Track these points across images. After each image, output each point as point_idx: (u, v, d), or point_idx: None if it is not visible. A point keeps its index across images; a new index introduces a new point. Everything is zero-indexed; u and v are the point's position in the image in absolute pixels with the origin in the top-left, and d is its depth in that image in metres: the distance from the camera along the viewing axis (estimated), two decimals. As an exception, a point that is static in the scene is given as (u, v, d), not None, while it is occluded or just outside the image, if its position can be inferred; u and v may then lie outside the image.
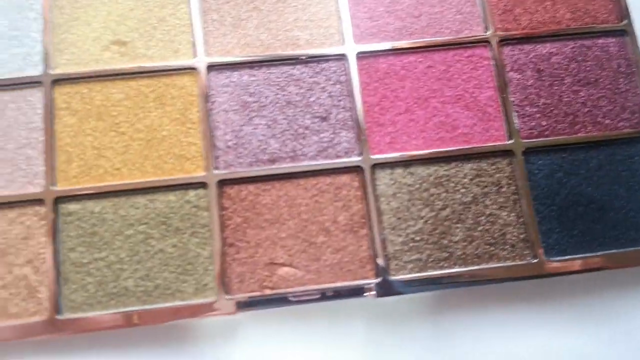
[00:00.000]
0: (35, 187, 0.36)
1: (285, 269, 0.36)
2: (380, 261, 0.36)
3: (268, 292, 0.36)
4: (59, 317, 0.34)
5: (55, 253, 0.35)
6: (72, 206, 0.36)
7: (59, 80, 0.38)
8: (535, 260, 0.37)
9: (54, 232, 0.35)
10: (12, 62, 0.38)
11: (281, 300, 0.36)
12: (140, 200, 0.36)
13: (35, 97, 0.37)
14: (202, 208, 0.36)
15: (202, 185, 0.37)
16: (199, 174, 0.37)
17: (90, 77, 0.38)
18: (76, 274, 0.35)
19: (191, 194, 0.36)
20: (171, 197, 0.36)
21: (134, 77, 0.38)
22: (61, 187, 0.36)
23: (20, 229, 0.35)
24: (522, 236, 0.38)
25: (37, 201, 0.36)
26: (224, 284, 0.35)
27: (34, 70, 0.38)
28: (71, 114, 0.37)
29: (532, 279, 0.37)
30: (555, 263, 0.37)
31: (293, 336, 0.37)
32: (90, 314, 0.34)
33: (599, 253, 0.37)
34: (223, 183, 0.37)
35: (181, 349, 0.36)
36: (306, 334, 0.37)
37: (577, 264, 0.37)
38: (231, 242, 0.36)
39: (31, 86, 0.37)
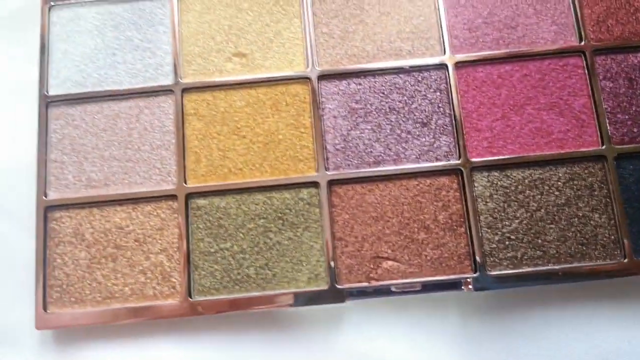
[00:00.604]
0: (169, 184, 0.40)
1: (390, 262, 0.40)
2: (478, 257, 0.39)
3: (374, 283, 0.39)
4: (191, 300, 0.38)
5: (187, 243, 0.39)
6: (201, 201, 0.40)
7: (188, 89, 0.42)
8: (625, 260, 0.39)
9: (186, 224, 0.39)
10: (146, 72, 0.42)
11: (385, 291, 0.39)
12: (260, 197, 0.40)
13: (167, 104, 0.42)
14: (314, 205, 0.40)
15: (314, 184, 0.40)
16: (311, 174, 0.40)
17: (215, 86, 0.42)
18: (205, 262, 0.39)
19: (304, 192, 0.40)
20: (287, 195, 0.40)
21: (253, 86, 0.42)
22: (191, 184, 0.40)
23: (156, 221, 0.40)
24: (612, 237, 0.39)
25: (170, 196, 0.40)
26: (335, 274, 0.39)
27: (166, 79, 0.42)
28: (199, 119, 0.41)
29: (622, 276, 0.39)
30: (644, 263, 0.39)
31: (394, 324, 0.40)
32: (218, 297, 0.38)
33: (687, 254, 0.39)
34: (332, 183, 0.40)
35: (293, 334, 0.40)
36: (407, 323, 0.40)
37: (665, 265, 0.39)
38: (340, 237, 0.40)
39: (164, 94, 0.42)
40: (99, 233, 0.40)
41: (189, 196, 0.40)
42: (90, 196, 0.40)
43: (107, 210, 0.40)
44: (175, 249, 0.39)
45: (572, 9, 0.43)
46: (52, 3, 0.44)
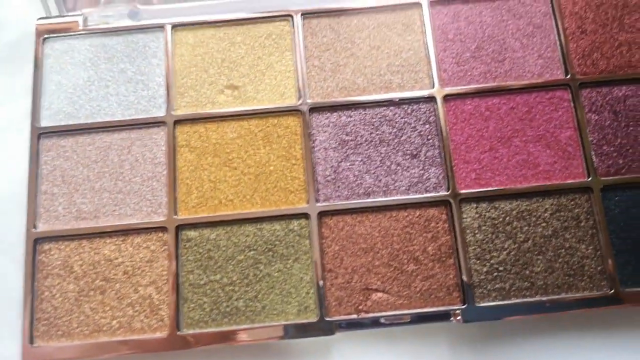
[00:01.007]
0: (159, 216, 0.40)
1: (379, 294, 0.40)
2: (467, 289, 0.39)
3: (363, 315, 0.39)
4: (179, 333, 0.38)
5: (176, 275, 0.39)
6: (191, 233, 0.40)
7: (181, 121, 0.42)
8: (612, 291, 0.39)
9: (176, 257, 0.39)
10: (139, 104, 0.43)
11: (374, 323, 0.39)
12: (250, 228, 0.40)
13: (159, 136, 0.42)
14: (304, 237, 0.40)
15: (305, 215, 0.40)
16: (301, 205, 0.40)
17: (208, 117, 0.42)
18: (194, 294, 0.39)
19: (294, 223, 0.40)
20: (277, 226, 0.40)
21: (245, 118, 0.42)
22: (182, 216, 0.40)
23: (146, 253, 0.40)
24: (599, 268, 0.40)
25: (161, 228, 0.40)
26: (324, 307, 0.39)
27: (158, 111, 0.42)
28: (190, 151, 0.42)
29: (609, 307, 0.39)
30: (630, 294, 0.39)
31: (384, 356, 0.40)
32: (206, 330, 0.38)
33: (673, 286, 0.40)
34: (323, 214, 0.41)
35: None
36: (396, 354, 0.40)
37: (652, 296, 0.40)
38: (330, 268, 0.40)
39: (156, 125, 0.42)
40: (88, 265, 0.40)
41: (180, 228, 0.40)
42: (80, 228, 0.40)
43: (97, 242, 0.40)
44: (165, 282, 0.39)
45: (558, 43, 0.44)
46: (46, 35, 0.44)
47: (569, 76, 0.43)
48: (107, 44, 0.44)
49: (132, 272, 0.39)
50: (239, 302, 0.39)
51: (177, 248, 0.40)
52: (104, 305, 0.39)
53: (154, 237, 0.40)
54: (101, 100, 0.43)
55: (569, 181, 0.41)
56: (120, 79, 0.43)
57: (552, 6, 0.45)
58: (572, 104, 0.43)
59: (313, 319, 0.38)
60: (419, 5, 0.45)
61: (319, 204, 0.40)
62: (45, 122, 0.42)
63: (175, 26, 0.44)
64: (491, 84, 0.43)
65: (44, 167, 0.41)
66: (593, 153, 0.42)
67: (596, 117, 0.43)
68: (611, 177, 0.41)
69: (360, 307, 0.39)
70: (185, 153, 0.41)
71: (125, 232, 0.40)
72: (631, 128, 0.43)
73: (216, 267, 0.39)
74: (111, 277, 0.39)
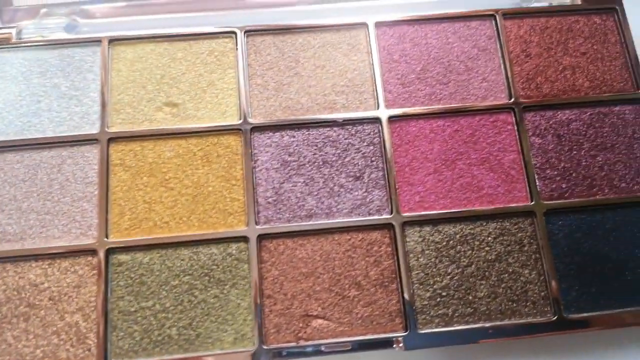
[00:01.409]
0: (88, 239, 0.38)
1: (319, 321, 0.38)
2: (409, 315, 0.38)
3: (302, 342, 0.38)
4: (106, 363, 0.37)
5: (105, 301, 0.37)
6: (123, 257, 0.38)
7: (115, 138, 0.40)
8: (555, 317, 0.39)
9: (105, 282, 0.37)
10: (72, 120, 0.41)
11: (315, 351, 0.37)
12: (186, 252, 0.39)
13: (91, 154, 0.40)
14: (243, 261, 0.39)
15: (244, 239, 0.39)
16: (240, 228, 0.39)
17: (144, 135, 0.40)
18: (124, 322, 0.37)
19: (233, 247, 0.39)
20: (214, 250, 0.39)
21: (184, 137, 0.41)
22: (113, 238, 0.39)
23: (73, 278, 0.38)
24: (542, 293, 0.39)
25: (90, 252, 0.38)
26: (262, 334, 0.37)
27: (92, 128, 0.41)
28: (125, 170, 0.40)
29: (552, 333, 0.38)
30: (573, 320, 0.38)
31: (324, 385, 0.39)
32: (136, 360, 0.37)
33: (616, 311, 0.39)
34: (263, 237, 0.39)
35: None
36: (337, 383, 0.39)
37: (594, 321, 0.38)
38: (269, 294, 0.39)
39: (89, 143, 0.40)
40: (12, 290, 0.37)
41: (110, 251, 0.38)
42: (4, 251, 0.38)
43: (22, 266, 0.38)
44: (92, 308, 0.37)
45: (502, 66, 0.44)
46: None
47: (512, 100, 0.43)
48: (41, 58, 0.42)
49: (59, 298, 0.37)
50: (171, 330, 0.37)
51: (107, 272, 0.38)
52: (27, 333, 0.36)
53: (83, 260, 0.38)
54: (32, 116, 0.41)
55: (513, 205, 0.41)
56: (53, 94, 0.41)
57: (497, 30, 0.45)
58: (515, 128, 0.43)
59: (250, 347, 0.37)
60: (365, 25, 0.44)
61: (259, 227, 0.39)
62: (-29, 139, 0.41)
63: (112, 40, 0.43)
64: (436, 106, 0.43)
65: (-34, 186, 0.40)
66: (536, 177, 0.42)
67: (540, 141, 0.43)
68: (554, 201, 0.41)
69: (300, 334, 0.38)
70: (119, 172, 0.40)
71: (52, 255, 0.38)
72: (574, 152, 0.43)
73: (148, 293, 0.38)
74: (36, 304, 0.37)
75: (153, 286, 0.38)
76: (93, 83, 0.42)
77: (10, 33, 0.43)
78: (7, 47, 0.43)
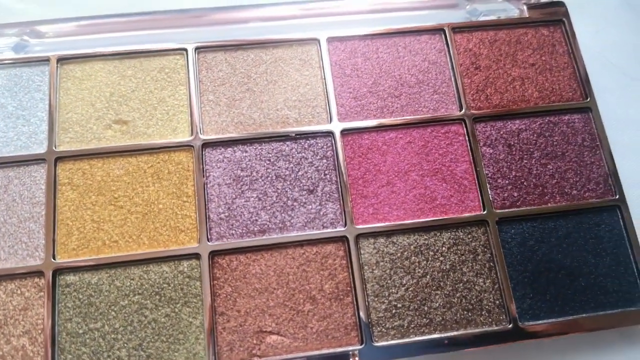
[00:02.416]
0: (35, 260, 0.38)
1: (273, 337, 0.38)
2: (365, 328, 0.38)
3: (257, 359, 0.38)
4: (53, 387, 0.36)
5: (53, 324, 0.36)
6: (70, 278, 0.38)
7: (62, 157, 0.40)
8: (510, 325, 0.39)
9: (52, 303, 0.37)
10: (19, 140, 0.40)
11: (269, 368, 0.38)
12: (136, 271, 0.38)
13: (38, 174, 0.40)
14: (195, 278, 0.38)
15: (195, 256, 0.39)
16: (192, 245, 0.39)
17: (92, 154, 0.40)
18: (72, 344, 0.36)
19: (184, 264, 0.38)
20: (165, 268, 0.38)
21: (134, 154, 0.41)
22: (60, 259, 0.38)
23: (19, 300, 0.37)
24: (497, 302, 0.40)
25: (36, 273, 0.37)
26: (214, 353, 0.37)
27: (39, 147, 0.40)
28: (72, 189, 0.39)
29: (507, 342, 0.38)
30: (529, 327, 0.39)
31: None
32: (84, 384, 0.36)
33: (570, 317, 0.39)
34: (215, 254, 0.39)
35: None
36: (293, 400, 0.38)
37: (550, 328, 0.39)
38: (222, 311, 0.38)
39: (36, 163, 0.40)
40: (-46, 315, 0.37)
41: (57, 272, 0.37)
42: (-53, 274, 0.38)
43: (-35, 290, 0.37)
44: (40, 331, 0.36)
45: (452, 79, 0.45)
46: None
47: (463, 111, 0.44)
48: (-13, 78, 0.43)
49: (5, 322, 0.36)
50: (121, 351, 0.36)
51: (54, 294, 0.37)
52: (-29, 359, 0.36)
53: (29, 282, 0.37)
54: (-23, 137, 0.41)
55: (465, 214, 0.41)
56: (-1, 114, 0.42)
57: (447, 43, 0.46)
58: (467, 138, 0.43)
59: (203, 366, 0.37)
60: (316, 40, 0.45)
61: (211, 243, 0.39)
62: None
63: (61, 59, 0.42)
64: (388, 119, 0.43)
65: None
66: (489, 186, 0.42)
67: (491, 151, 0.44)
68: (507, 210, 0.42)
69: (254, 351, 0.37)
70: (66, 192, 0.39)
71: (-3, 278, 0.38)
72: (525, 161, 0.44)
73: (97, 314, 0.37)
74: (-20, 328, 0.37)
75: (102, 307, 0.37)
76: (41, 102, 0.41)
77: (-43, 53, 0.43)
78: (-47, 67, 0.43)
